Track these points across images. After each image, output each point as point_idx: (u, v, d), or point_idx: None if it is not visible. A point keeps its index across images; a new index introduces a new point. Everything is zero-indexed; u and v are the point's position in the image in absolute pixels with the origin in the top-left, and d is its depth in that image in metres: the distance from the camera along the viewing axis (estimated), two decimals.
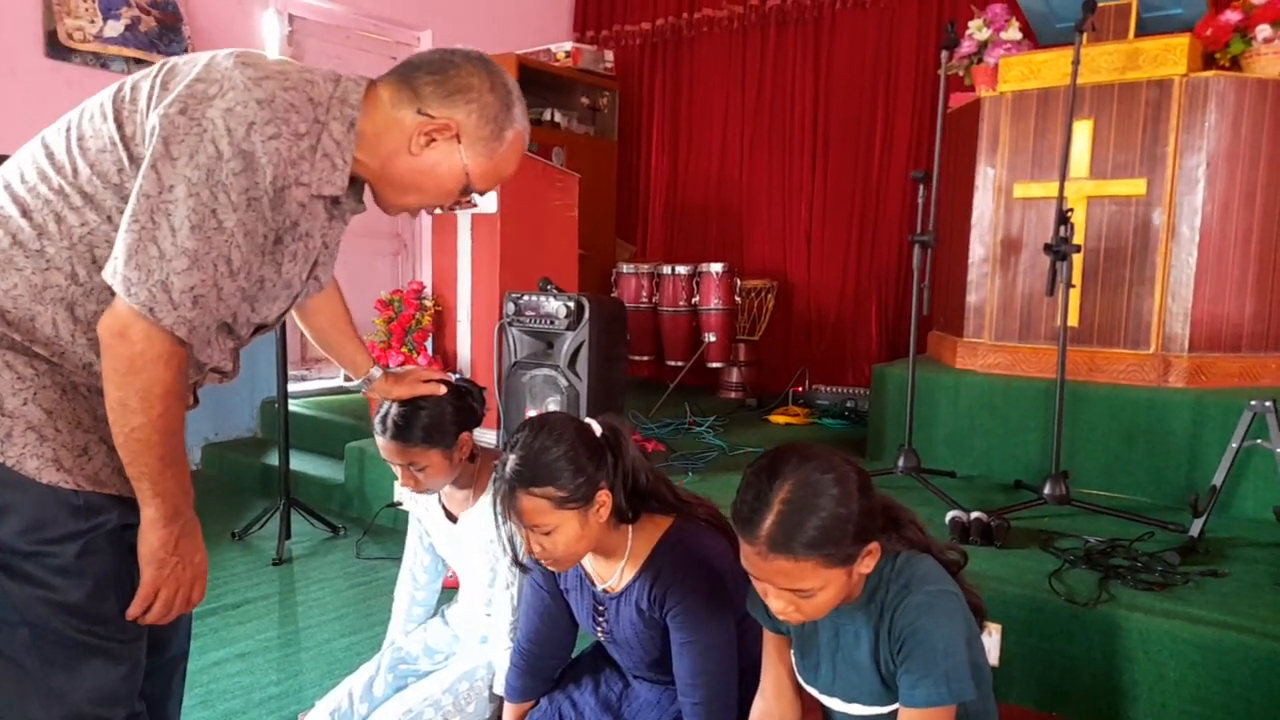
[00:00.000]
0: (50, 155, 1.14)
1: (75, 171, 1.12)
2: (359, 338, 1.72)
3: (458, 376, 1.84)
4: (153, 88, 1.12)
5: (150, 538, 1.15)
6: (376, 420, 1.77)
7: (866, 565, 1.23)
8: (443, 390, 1.73)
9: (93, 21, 3.89)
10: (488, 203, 3.62)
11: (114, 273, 1.06)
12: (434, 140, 1.22)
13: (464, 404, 1.81)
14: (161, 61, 1.18)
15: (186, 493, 1.18)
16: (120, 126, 1.11)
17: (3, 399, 1.10)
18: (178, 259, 1.06)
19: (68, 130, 1.15)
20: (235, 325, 1.24)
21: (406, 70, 1.24)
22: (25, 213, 1.12)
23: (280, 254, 1.20)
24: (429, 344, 3.94)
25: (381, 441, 1.77)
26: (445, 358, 3.90)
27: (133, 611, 1.17)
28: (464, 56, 1.24)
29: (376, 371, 1.73)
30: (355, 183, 1.27)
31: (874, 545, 1.22)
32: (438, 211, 1.36)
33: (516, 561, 1.66)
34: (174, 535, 1.16)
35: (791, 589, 1.19)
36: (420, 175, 1.25)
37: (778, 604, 1.22)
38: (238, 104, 1.08)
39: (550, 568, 1.53)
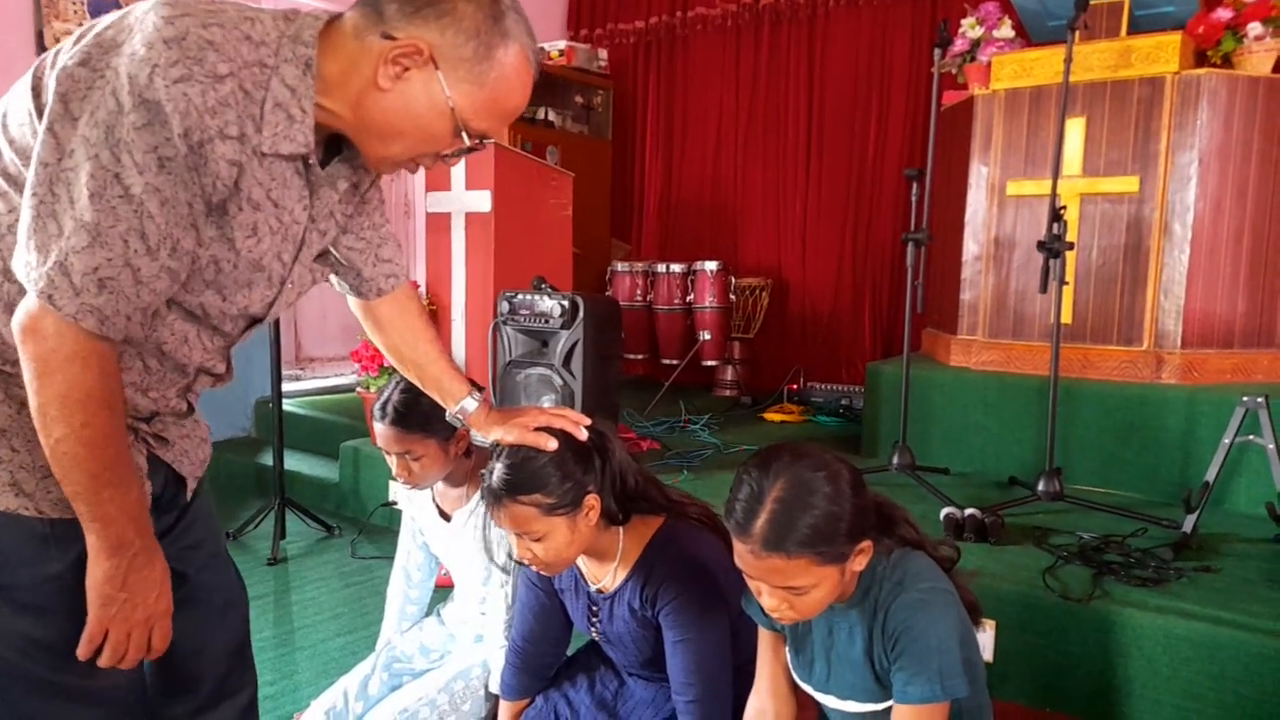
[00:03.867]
0: None
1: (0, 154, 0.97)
2: (445, 358, 1.45)
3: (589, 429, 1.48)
4: (70, 43, 0.95)
5: (94, 570, 1.00)
6: (376, 406, 1.78)
7: (859, 563, 1.23)
8: (554, 445, 1.40)
9: (81, 25, 3.88)
10: (480, 202, 3.62)
11: (16, 258, 0.92)
12: (406, 69, 1.00)
13: None
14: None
15: (135, 520, 1.01)
16: (37, 95, 0.95)
17: None
18: (77, 235, 0.89)
19: None
20: (210, 317, 1.09)
21: None
22: None
23: (228, 227, 1.00)
24: None
25: (380, 428, 1.77)
26: None
27: (80, 651, 1.02)
28: None
29: (472, 403, 1.42)
30: (336, 140, 1.08)
31: (867, 543, 1.23)
32: (436, 163, 1.11)
33: (491, 559, 1.65)
34: (120, 569, 1.00)
35: (785, 587, 1.19)
36: (397, 115, 1.02)
37: (771, 602, 1.22)
38: (142, 45, 0.89)
39: (542, 572, 1.53)
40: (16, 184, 0.96)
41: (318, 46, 1.00)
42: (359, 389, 3.87)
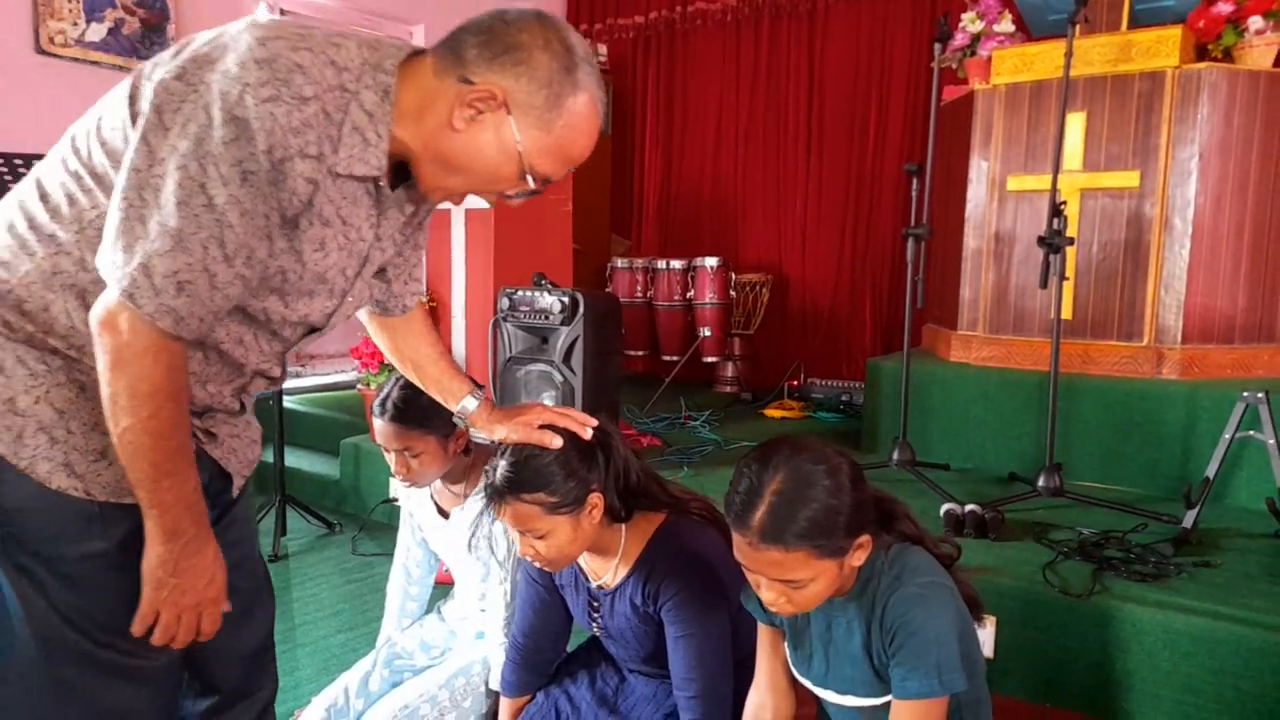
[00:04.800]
0: (74, 139, 1.06)
1: (90, 153, 1.03)
2: (445, 358, 1.47)
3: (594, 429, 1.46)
4: (167, 57, 1.01)
5: (149, 554, 1.05)
6: (376, 403, 1.78)
7: (858, 558, 1.23)
8: (559, 443, 1.39)
9: (75, 24, 3.87)
10: (476, 199, 3.61)
11: (102, 255, 0.97)
12: (480, 113, 1.05)
13: None
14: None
15: (190, 508, 1.06)
16: (132, 102, 1.00)
17: (15, 397, 1.02)
18: (161, 239, 0.94)
19: (94, 117, 1.06)
20: (271, 322, 1.12)
21: (455, 34, 1.08)
22: (43, 196, 1.05)
23: (298, 240, 1.05)
24: None
25: (379, 424, 1.77)
26: None
27: (134, 629, 1.07)
28: (518, 14, 1.06)
29: (472, 402, 1.44)
30: (404, 167, 1.12)
31: (865, 538, 1.23)
32: (496, 200, 1.16)
33: (502, 564, 1.66)
34: (173, 555, 1.05)
35: (783, 580, 1.19)
36: (466, 155, 1.08)
37: (769, 595, 1.22)
38: (235, 64, 0.95)
39: (545, 569, 1.53)
40: (103, 183, 1.01)
41: (398, 76, 1.05)
42: (359, 386, 3.87)
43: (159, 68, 0.99)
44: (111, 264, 0.96)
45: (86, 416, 1.03)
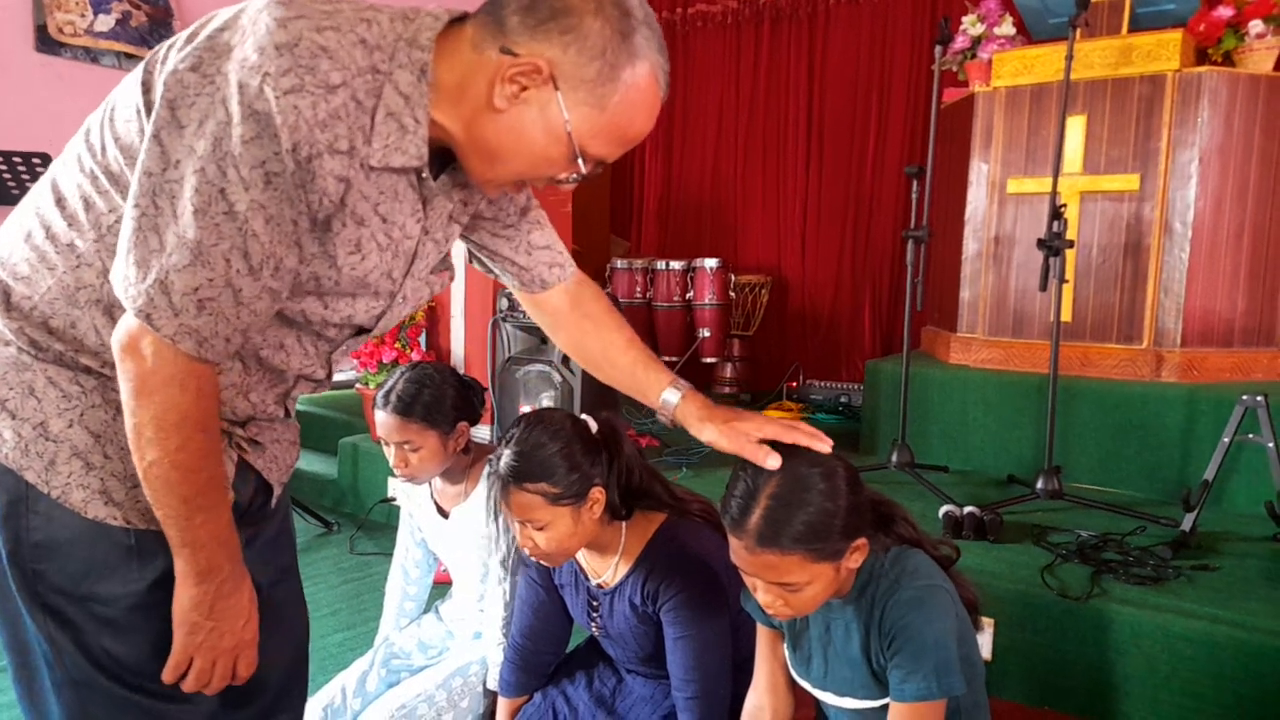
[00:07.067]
0: (87, 134, 0.96)
1: (103, 149, 0.93)
2: (636, 347, 1.30)
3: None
4: (182, 41, 0.90)
5: (181, 596, 0.96)
6: (379, 395, 1.78)
7: (855, 561, 1.23)
8: (777, 463, 1.16)
9: (83, 15, 3.87)
10: None
11: (115, 269, 0.87)
12: (524, 88, 0.92)
13: (465, 392, 1.82)
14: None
15: (225, 544, 0.97)
16: (146, 91, 0.90)
17: (48, 421, 0.94)
18: (178, 252, 0.84)
19: (106, 106, 0.96)
20: (311, 324, 1.02)
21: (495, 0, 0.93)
22: (59, 201, 0.95)
23: (330, 243, 0.94)
24: (423, 339, 3.94)
25: (381, 416, 1.77)
26: (439, 353, 3.90)
27: (165, 676, 0.98)
28: None
29: (674, 394, 1.25)
30: (447, 149, 0.99)
31: (862, 541, 1.22)
32: (547, 185, 1.03)
33: (502, 563, 1.66)
34: (208, 595, 0.96)
35: (779, 583, 1.19)
36: (510, 138, 0.94)
37: (766, 598, 1.22)
38: (254, 51, 0.84)
39: (543, 563, 1.53)
40: (118, 184, 0.92)
41: (434, 51, 0.93)
42: (358, 385, 3.87)
43: (173, 52, 0.89)
44: (125, 280, 0.86)
45: (123, 440, 0.93)
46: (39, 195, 0.99)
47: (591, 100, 0.93)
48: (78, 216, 0.94)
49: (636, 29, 0.93)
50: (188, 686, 1.00)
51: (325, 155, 0.87)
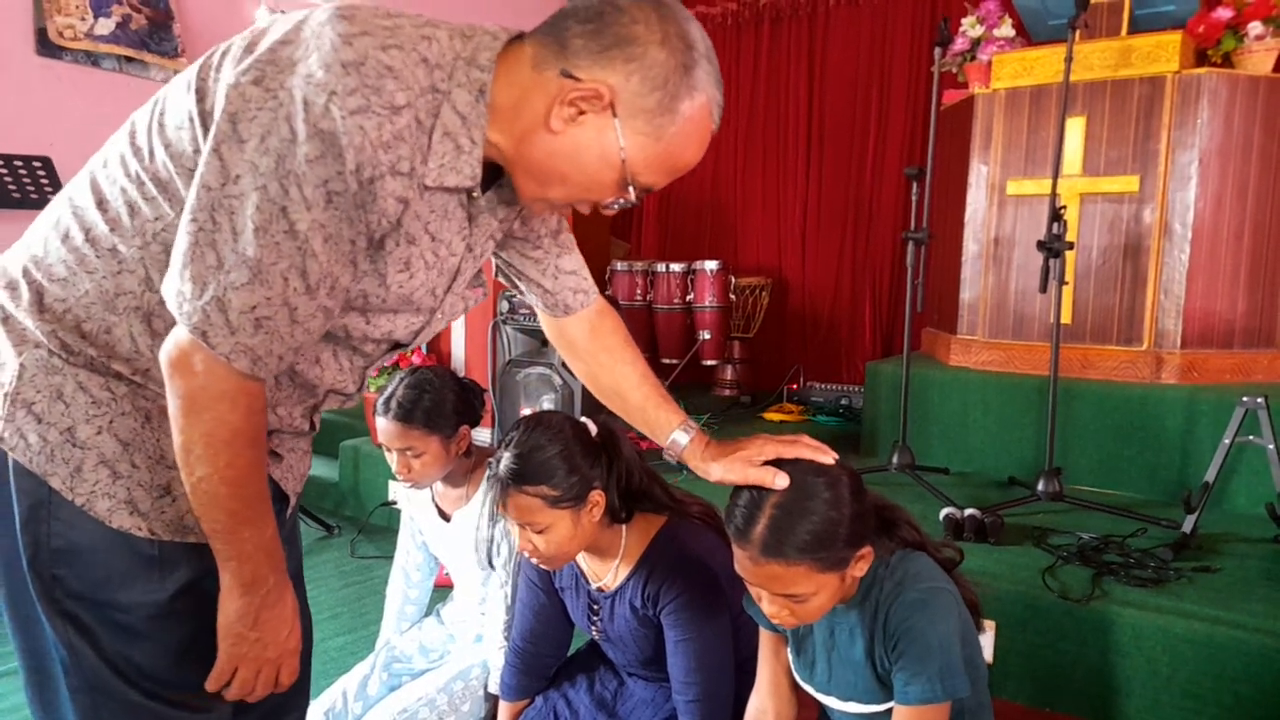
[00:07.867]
0: (133, 136, 0.94)
1: (151, 154, 0.91)
2: (649, 383, 1.30)
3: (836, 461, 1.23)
4: (239, 51, 0.89)
5: (227, 607, 0.96)
6: (379, 401, 1.78)
7: (860, 569, 1.23)
8: (785, 483, 1.16)
9: (83, 19, 3.87)
10: None
11: (168, 283, 0.86)
12: (582, 113, 0.92)
13: (465, 395, 1.82)
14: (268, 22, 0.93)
15: (270, 556, 0.97)
16: (201, 99, 0.89)
17: (75, 427, 0.93)
18: (237, 270, 0.84)
19: (153, 107, 0.94)
20: (351, 339, 1.02)
21: (558, 18, 0.93)
22: (100, 203, 0.94)
23: (381, 262, 0.94)
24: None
25: (382, 423, 1.77)
26: (440, 356, 3.90)
27: (209, 686, 0.99)
28: (631, 0, 0.91)
29: (684, 436, 1.25)
30: (495, 168, 0.98)
31: (867, 549, 1.22)
32: (590, 208, 1.03)
33: (490, 564, 1.65)
34: (253, 606, 0.97)
35: (785, 594, 1.19)
36: (563, 160, 0.94)
37: (772, 609, 1.22)
38: (319, 68, 0.83)
39: (542, 566, 1.53)
40: (167, 191, 0.91)
41: (494, 71, 0.92)
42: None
43: (228, 61, 0.89)
44: (179, 296, 0.85)
45: (152, 449, 0.94)
46: (77, 194, 0.97)
47: (648, 130, 0.93)
48: (121, 220, 0.93)
49: (698, 62, 0.93)
50: (231, 695, 1.00)
51: (388, 177, 0.87)
